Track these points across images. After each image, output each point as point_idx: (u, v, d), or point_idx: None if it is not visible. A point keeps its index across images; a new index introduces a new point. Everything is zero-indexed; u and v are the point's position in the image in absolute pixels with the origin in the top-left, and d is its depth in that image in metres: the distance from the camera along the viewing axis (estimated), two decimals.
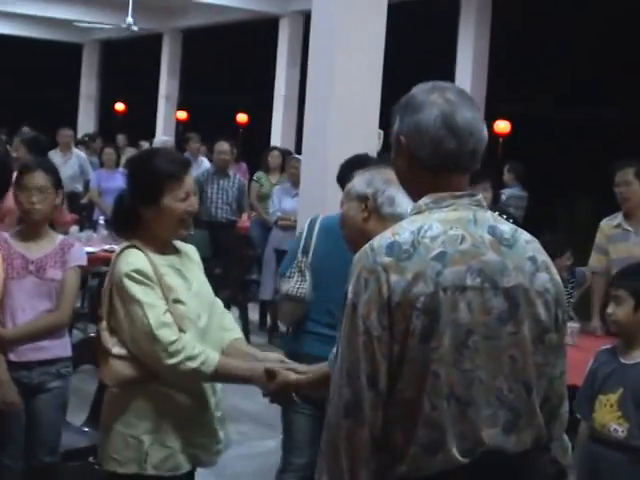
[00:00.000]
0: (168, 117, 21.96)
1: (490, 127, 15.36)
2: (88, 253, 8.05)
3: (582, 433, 4.17)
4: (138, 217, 3.40)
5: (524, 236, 2.46)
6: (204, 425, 3.47)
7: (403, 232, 2.33)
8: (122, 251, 3.37)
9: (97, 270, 8.17)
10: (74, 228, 9.07)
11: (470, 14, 14.42)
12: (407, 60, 16.34)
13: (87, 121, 25.04)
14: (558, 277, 2.49)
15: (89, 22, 20.64)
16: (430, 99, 2.41)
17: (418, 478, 2.31)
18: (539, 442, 2.43)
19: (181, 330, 3.29)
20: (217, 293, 3.60)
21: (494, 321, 2.33)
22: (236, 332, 3.66)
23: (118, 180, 11.13)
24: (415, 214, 2.41)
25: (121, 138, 17.11)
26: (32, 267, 4.38)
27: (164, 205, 3.33)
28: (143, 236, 3.40)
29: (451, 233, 2.33)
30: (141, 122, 22.53)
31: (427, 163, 2.41)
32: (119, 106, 25.80)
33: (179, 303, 3.33)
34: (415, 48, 16.67)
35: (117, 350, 3.32)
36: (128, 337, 3.30)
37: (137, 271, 3.28)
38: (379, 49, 6.34)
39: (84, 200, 12.32)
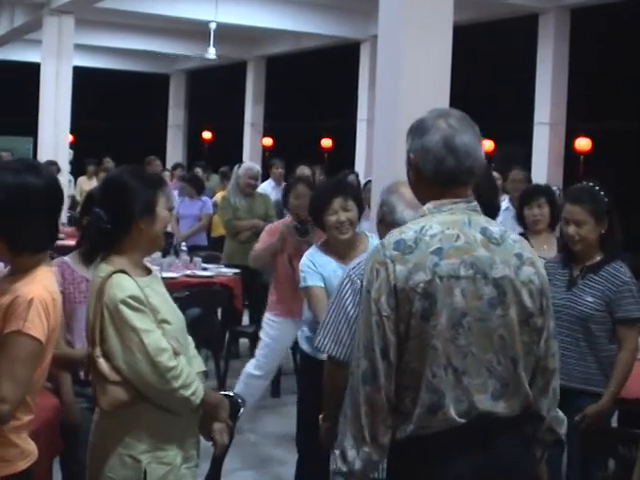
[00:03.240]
0: (254, 144, 22.25)
1: (571, 145, 15.32)
2: (170, 278, 8.29)
3: None
4: (118, 238, 3.46)
5: (513, 236, 2.91)
6: (193, 437, 3.56)
7: (408, 231, 2.81)
8: (110, 276, 3.38)
9: (178, 295, 8.30)
10: (157, 254, 9.23)
11: (549, 31, 14.39)
12: (484, 78, 16.33)
13: (175, 150, 25.51)
14: (543, 271, 2.91)
15: (174, 53, 21.05)
16: (436, 124, 2.88)
17: (425, 435, 2.77)
18: (528, 409, 2.88)
19: (176, 353, 3.38)
20: None
21: (485, 305, 2.77)
22: (198, 362, 3.68)
23: (195, 207, 11.48)
24: (420, 217, 2.88)
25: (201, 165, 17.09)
26: None
27: (158, 213, 3.50)
28: (122, 258, 3.45)
29: (448, 232, 2.80)
30: (228, 150, 22.80)
31: (431, 177, 2.88)
32: (206, 134, 26.15)
33: (165, 323, 3.42)
34: (492, 67, 16.62)
35: (114, 377, 3.36)
36: (122, 363, 3.34)
37: (132, 297, 3.33)
38: (446, 70, 6.35)
39: (167, 228, 12.47)
